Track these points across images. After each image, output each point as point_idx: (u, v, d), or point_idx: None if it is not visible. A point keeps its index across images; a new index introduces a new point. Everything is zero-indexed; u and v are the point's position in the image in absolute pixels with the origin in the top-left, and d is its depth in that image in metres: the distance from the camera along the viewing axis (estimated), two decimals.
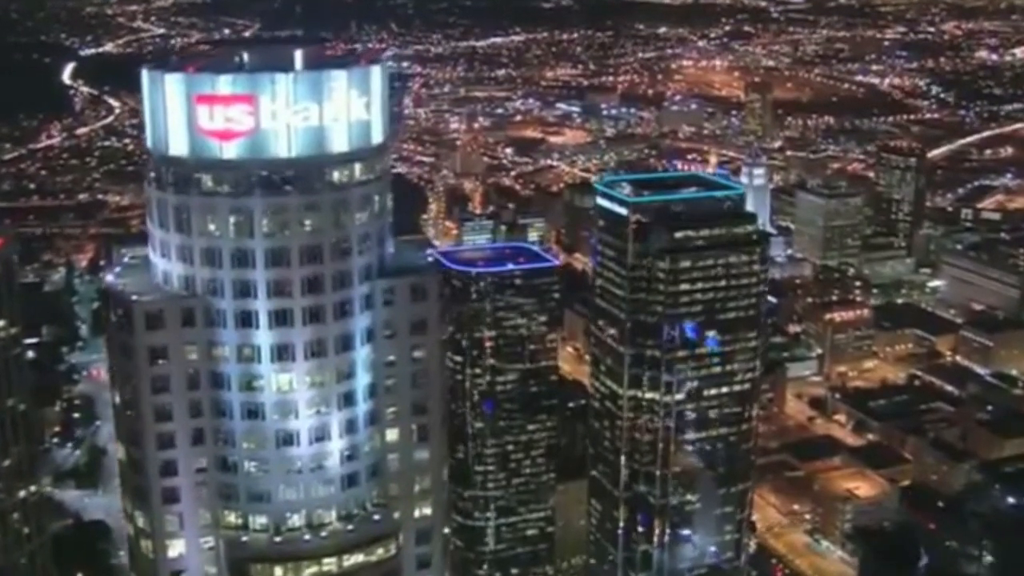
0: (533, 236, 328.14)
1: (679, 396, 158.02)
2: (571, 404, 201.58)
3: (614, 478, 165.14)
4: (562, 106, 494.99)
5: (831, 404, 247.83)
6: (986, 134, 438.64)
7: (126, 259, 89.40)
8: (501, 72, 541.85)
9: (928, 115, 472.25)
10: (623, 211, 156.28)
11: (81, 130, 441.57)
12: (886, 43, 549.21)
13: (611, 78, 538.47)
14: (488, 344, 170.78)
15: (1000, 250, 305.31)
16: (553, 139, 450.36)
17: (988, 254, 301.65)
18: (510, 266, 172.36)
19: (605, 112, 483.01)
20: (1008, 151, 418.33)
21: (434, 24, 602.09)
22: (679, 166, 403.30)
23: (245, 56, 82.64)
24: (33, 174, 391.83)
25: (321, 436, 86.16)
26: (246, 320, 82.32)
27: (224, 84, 79.05)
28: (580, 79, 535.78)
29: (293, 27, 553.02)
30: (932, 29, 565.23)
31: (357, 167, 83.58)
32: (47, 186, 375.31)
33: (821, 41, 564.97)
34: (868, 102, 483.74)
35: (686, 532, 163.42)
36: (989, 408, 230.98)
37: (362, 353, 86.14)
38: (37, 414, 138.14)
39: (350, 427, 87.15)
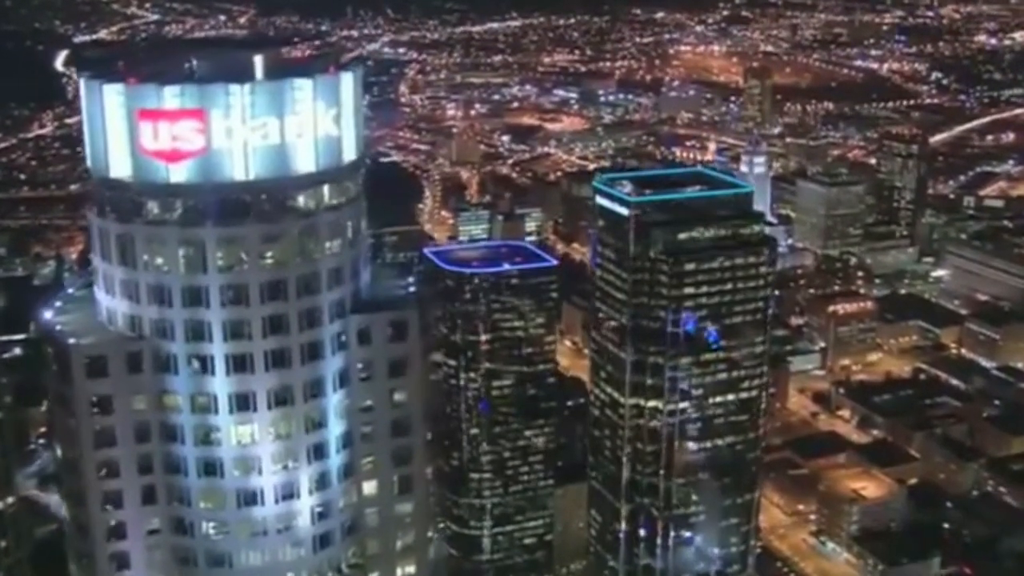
0: (530, 226, 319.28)
1: (683, 404, 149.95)
2: (569, 403, 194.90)
3: (615, 488, 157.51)
4: (559, 92, 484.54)
5: (835, 399, 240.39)
6: (987, 120, 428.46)
7: (69, 291, 77.40)
8: (498, 58, 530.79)
9: (928, 100, 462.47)
10: (624, 211, 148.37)
11: (73, 119, 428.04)
12: (885, 27, 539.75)
13: (608, 64, 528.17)
14: (484, 347, 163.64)
15: (1004, 239, 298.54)
16: (550, 126, 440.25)
17: (992, 243, 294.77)
18: (506, 266, 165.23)
19: (603, 98, 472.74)
20: (1009, 137, 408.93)
21: (430, 9, 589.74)
22: (678, 153, 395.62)
23: (195, 63, 70.36)
24: (24, 164, 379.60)
25: (289, 494, 74.58)
26: (200, 366, 70.86)
27: (170, 97, 67.09)
28: (577, 65, 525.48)
29: (289, 13, 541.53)
30: (931, 13, 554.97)
31: (326, 190, 71.53)
32: (38, 177, 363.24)
33: (820, 25, 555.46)
34: (867, 87, 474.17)
35: (690, 544, 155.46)
36: (996, 403, 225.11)
37: (334, 399, 74.57)
38: (23, 414, 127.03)
39: (322, 482, 75.59)
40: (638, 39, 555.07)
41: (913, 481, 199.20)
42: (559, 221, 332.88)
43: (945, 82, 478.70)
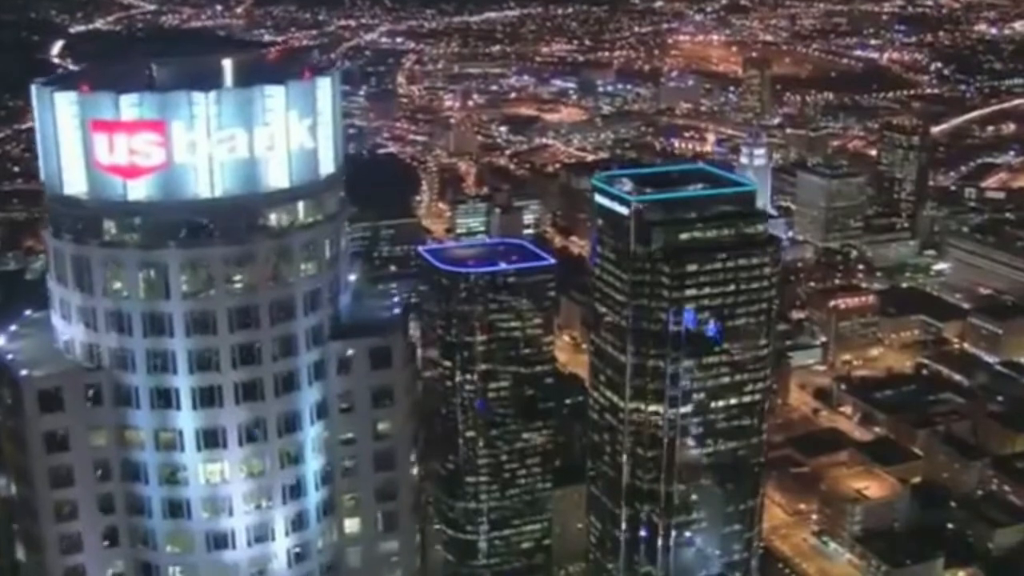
0: (528, 219, 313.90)
1: (684, 408, 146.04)
2: (568, 401, 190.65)
3: (615, 494, 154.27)
4: (557, 82, 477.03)
5: (836, 395, 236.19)
6: (987, 110, 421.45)
7: (27, 312, 70.55)
8: (496, 48, 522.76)
9: (928, 90, 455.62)
10: (624, 210, 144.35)
11: None
12: (884, 16, 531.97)
13: (607, 54, 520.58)
14: (480, 348, 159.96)
15: (1006, 231, 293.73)
16: (548, 117, 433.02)
17: (994, 236, 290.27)
18: (503, 265, 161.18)
19: (601, 89, 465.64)
20: (1010, 128, 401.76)
21: None
22: (677, 144, 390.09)
23: (155, 69, 63.22)
24: (18, 156, 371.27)
25: (262, 535, 67.76)
26: (164, 399, 64.02)
27: (127, 107, 60.02)
28: (576, 55, 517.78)
29: (286, 3, 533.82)
30: (930, 2, 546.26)
31: (301, 207, 64.60)
32: (32, 168, 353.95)
33: (819, 15, 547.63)
34: (867, 77, 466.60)
35: (691, 552, 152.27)
36: (999, 399, 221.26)
37: (312, 433, 67.79)
38: None
39: (299, 522, 68.73)
40: (637, 28, 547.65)
41: (916, 480, 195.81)
42: (557, 214, 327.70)
43: (945, 72, 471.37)
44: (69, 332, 65.62)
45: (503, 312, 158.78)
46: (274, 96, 62.10)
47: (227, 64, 63.38)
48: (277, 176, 63.49)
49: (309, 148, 64.26)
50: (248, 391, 64.66)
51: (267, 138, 62.50)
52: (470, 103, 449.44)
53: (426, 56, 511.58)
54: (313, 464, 68.57)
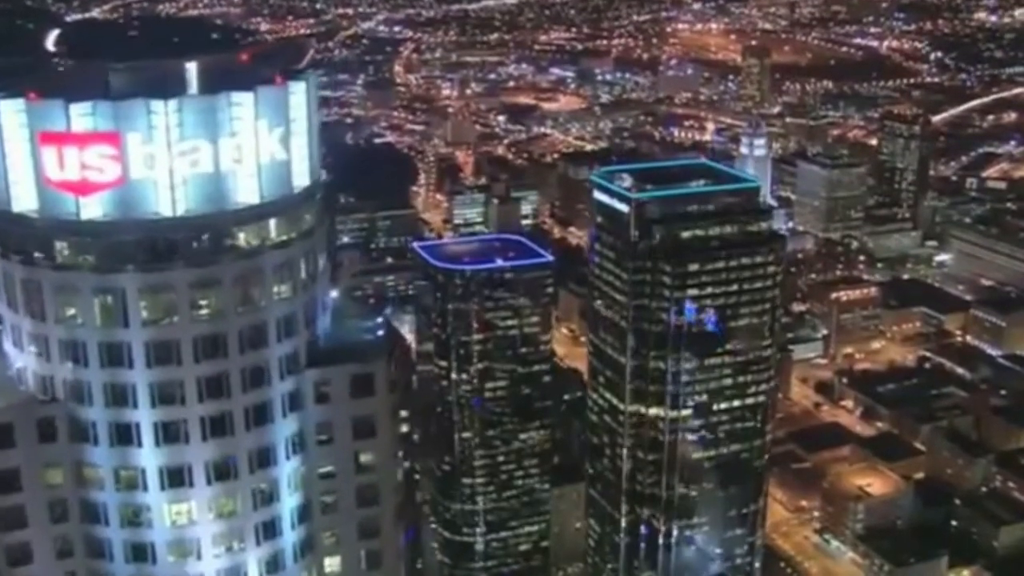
0: (526, 209, 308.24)
1: (686, 411, 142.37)
2: (566, 396, 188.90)
3: (614, 498, 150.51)
4: (556, 71, 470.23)
5: (838, 389, 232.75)
6: (988, 99, 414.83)
7: None
8: (494, 36, 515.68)
9: (928, 79, 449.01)
10: (624, 207, 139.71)
11: None
12: (883, 4, 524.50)
13: (605, 42, 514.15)
14: (477, 346, 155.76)
15: (1008, 222, 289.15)
16: (547, 106, 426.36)
17: (996, 226, 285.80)
18: (499, 262, 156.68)
19: (600, 77, 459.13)
20: (1011, 116, 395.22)
21: None
22: (676, 133, 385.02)
23: (110, 74, 56.11)
24: None
25: None
26: (124, 435, 57.98)
27: (77, 117, 53.70)
28: (574, 43, 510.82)
29: None
30: None
31: (272, 224, 58.36)
32: None
33: (818, 3, 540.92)
34: (867, 66, 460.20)
35: (692, 557, 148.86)
36: (1003, 393, 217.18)
37: (288, 468, 61.83)
38: None
39: (274, 564, 62.74)
40: (635, 17, 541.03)
41: (919, 476, 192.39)
42: (556, 204, 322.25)
43: (945, 60, 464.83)
44: (21, 361, 59.43)
45: (500, 310, 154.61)
46: (242, 104, 55.66)
47: (192, 67, 56.64)
48: (246, 191, 57.15)
49: (281, 160, 57.88)
50: (216, 426, 58.58)
51: (234, 150, 56.14)
52: (468, 92, 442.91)
53: (424, 45, 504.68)
54: (289, 501, 62.54)
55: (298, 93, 58.53)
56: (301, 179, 59.86)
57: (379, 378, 61.67)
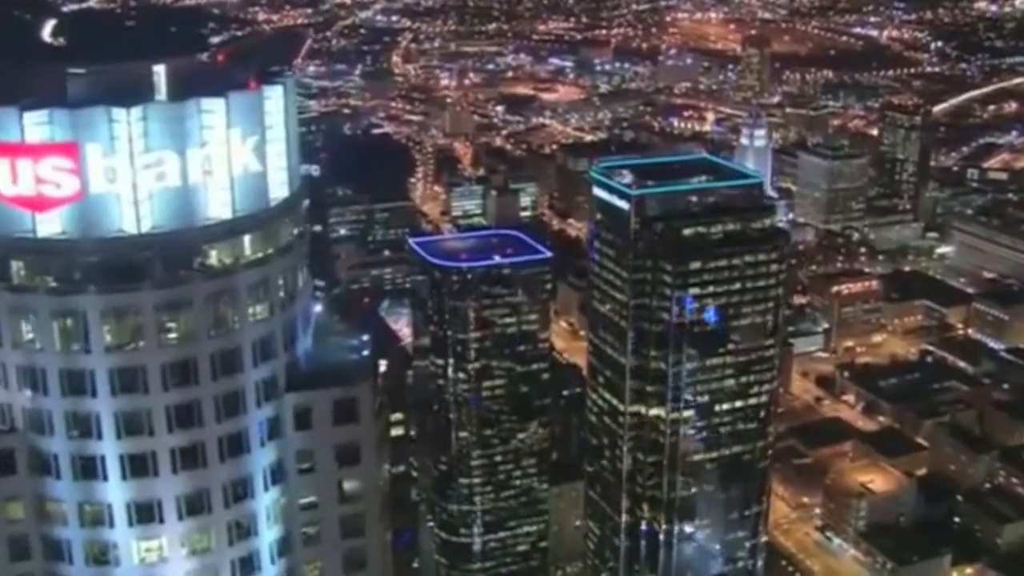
0: (525, 201, 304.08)
1: (687, 412, 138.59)
2: (565, 392, 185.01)
3: (614, 500, 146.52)
4: (555, 61, 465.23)
5: (839, 383, 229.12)
6: (989, 89, 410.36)
7: None
8: (492, 26, 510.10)
9: (928, 69, 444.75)
10: (624, 204, 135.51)
11: None
12: None
13: (604, 32, 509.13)
14: (474, 344, 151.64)
15: (1009, 213, 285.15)
16: (546, 96, 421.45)
17: (998, 218, 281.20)
18: (497, 258, 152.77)
19: (599, 67, 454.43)
20: (1012, 106, 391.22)
21: None
22: (675, 123, 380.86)
23: (68, 78, 51.10)
24: None
25: None
26: (88, 468, 53.54)
27: (31, 126, 49.03)
28: (573, 33, 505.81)
29: None
30: None
31: (247, 240, 53.76)
32: None
33: None
34: (867, 55, 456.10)
35: (693, 560, 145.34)
36: (1005, 387, 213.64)
37: (267, 499, 57.42)
38: None
39: None
40: (634, 6, 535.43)
41: (922, 472, 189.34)
42: (554, 195, 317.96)
43: (946, 50, 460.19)
44: None
45: (498, 307, 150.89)
46: (213, 111, 50.88)
47: (160, 71, 51.50)
48: (217, 205, 52.50)
49: (256, 171, 53.05)
50: (188, 457, 54.04)
51: (204, 161, 51.43)
52: (466, 82, 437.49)
53: (422, 34, 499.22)
54: (268, 535, 57.99)
55: (274, 98, 53.74)
56: (278, 191, 55.09)
57: (364, 402, 56.76)
